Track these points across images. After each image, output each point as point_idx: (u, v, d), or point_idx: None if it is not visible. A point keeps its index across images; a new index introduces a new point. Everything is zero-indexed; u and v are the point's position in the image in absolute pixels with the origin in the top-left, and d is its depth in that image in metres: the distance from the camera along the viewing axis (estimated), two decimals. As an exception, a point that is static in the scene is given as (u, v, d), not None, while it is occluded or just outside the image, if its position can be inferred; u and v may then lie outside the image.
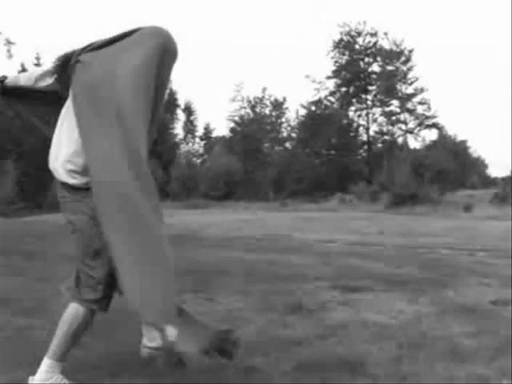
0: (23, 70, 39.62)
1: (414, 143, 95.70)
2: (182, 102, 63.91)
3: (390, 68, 56.75)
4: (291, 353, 3.67)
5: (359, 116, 60.58)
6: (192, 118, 64.99)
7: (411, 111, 56.80)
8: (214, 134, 66.50)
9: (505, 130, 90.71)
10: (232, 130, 62.17)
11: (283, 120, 62.57)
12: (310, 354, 3.64)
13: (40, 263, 6.99)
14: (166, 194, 45.93)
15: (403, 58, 56.20)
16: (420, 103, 56.58)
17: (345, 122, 58.91)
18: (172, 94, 60.20)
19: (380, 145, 60.59)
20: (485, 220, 24.78)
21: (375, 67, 59.93)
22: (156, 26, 3.03)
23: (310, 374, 3.28)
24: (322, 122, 55.79)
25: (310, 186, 52.21)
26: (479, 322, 4.59)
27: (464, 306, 5.26)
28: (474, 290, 6.20)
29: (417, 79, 56.08)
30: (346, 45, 59.83)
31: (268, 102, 62.53)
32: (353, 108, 60.87)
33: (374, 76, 59.72)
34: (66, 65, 2.99)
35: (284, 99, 62.07)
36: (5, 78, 3.14)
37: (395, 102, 57.39)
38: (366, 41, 59.51)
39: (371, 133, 60.06)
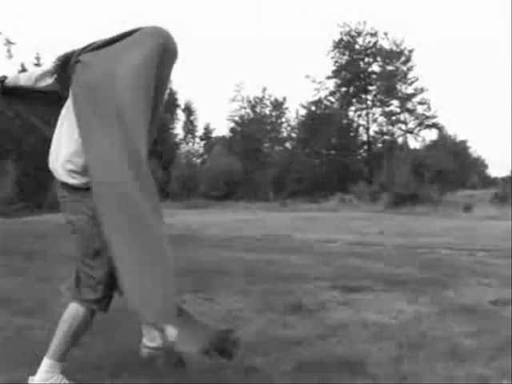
0: (23, 70, 39.55)
1: (413, 143, 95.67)
2: (182, 101, 64.01)
3: (390, 68, 56.75)
4: (291, 353, 3.68)
5: (359, 116, 60.65)
6: (192, 117, 65.00)
7: (411, 111, 56.80)
8: (214, 134, 66.56)
9: (505, 130, 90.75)
10: (232, 129, 62.17)
11: (283, 120, 62.62)
12: (310, 354, 3.64)
13: (40, 263, 6.99)
14: (166, 194, 45.92)
15: (403, 58, 56.20)
16: (420, 103, 56.63)
17: (345, 122, 58.92)
18: (172, 94, 60.19)
19: (380, 145, 60.58)
20: (485, 220, 24.79)
21: (375, 67, 60.04)
22: (156, 26, 3.04)
23: (309, 373, 3.28)
24: (322, 122, 55.79)
25: (309, 186, 52.21)
26: (479, 322, 4.59)
27: (464, 306, 5.26)
28: (474, 290, 6.21)
29: (417, 79, 56.14)
30: (346, 45, 59.84)
31: (268, 102, 62.56)
32: (353, 108, 60.92)
33: (374, 76, 59.73)
34: (66, 65, 2.99)
35: (284, 99, 62.13)
36: (5, 77, 3.14)
37: (395, 102, 57.44)
38: (366, 41, 59.59)
39: (371, 133, 60.18)
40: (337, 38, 59.95)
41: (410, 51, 56.03)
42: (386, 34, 57.79)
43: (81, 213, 2.87)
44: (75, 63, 2.95)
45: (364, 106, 60.35)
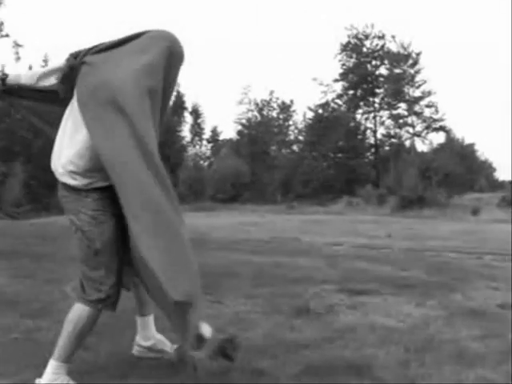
0: (31, 72, 39.62)
1: (421, 146, 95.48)
2: (189, 104, 63.84)
3: (397, 71, 56.58)
4: (298, 356, 3.67)
5: (366, 119, 60.42)
6: (199, 120, 64.92)
7: (419, 114, 56.60)
8: (221, 137, 66.44)
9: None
10: (239, 132, 62.14)
11: (290, 123, 62.57)
12: (317, 357, 3.64)
13: (48, 265, 7.00)
14: (174, 196, 45.83)
15: (411, 61, 56.02)
16: (427, 106, 56.38)
17: (352, 124, 58.75)
18: (179, 97, 60.22)
19: (387, 148, 60.32)
20: (492, 223, 24.72)
21: (383, 70, 59.81)
22: (163, 29, 3.05)
23: (317, 377, 3.28)
24: (329, 124, 55.71)
25: (317, 189, 52.16)
26: (487, 326, 4.57)
27: (472, 309, 5.24)
28: (481, 293, 6.18)
29: (424, 82, 55.90)
30: (353, 48, 59.73)
31: (275, 105, 62.49)
32: (360, 111, 60.72)
33: (382, 79, 59.55)
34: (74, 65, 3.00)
35: (291, 102, 62.07)
36: (6, 76, 3.13)
37: (403, 105, 57.23)
38: (374, 44, 59.41)
39: (378, 136, 59.92)
40: (344, 40, 59.89)
41: (418, 54, 55.88)
42: (393, 36, 57.70)
43: (81, 213, 2.89)
44: (80, 64, 2.96)
45: (371, 108, 60.20)
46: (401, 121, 57.65)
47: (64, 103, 3.02)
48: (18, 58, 18.53)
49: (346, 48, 59.78)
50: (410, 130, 57.29)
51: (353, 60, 60.02)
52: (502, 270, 8.51)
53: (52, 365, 2.90)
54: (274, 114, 62.56)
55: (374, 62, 59.94)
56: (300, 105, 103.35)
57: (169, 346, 3.48)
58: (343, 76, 60.28)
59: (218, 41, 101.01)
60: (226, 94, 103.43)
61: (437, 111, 56.00)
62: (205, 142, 66.37)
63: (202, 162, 64.06)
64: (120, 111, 2.73)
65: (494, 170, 78.60)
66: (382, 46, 58.89)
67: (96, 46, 3.02)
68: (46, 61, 49.44)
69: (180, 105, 61.05)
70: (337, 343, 4.00)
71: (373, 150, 59.91)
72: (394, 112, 57.96)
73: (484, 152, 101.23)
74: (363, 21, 79.89)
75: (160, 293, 2.73)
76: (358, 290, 6.10)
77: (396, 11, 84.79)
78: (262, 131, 59.33)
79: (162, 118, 3.05)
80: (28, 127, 38.42)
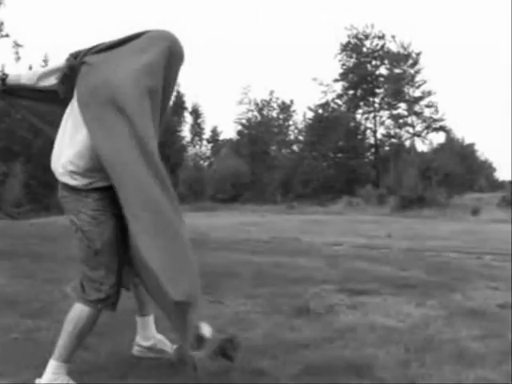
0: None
1: (421, 146, 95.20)
2: (189, 104, 63.85)
3: (397, 71, 56.61)
4: (298, 356, 3.67)
5: (366, 119, 60.44)
6: (199, 120, 64.91)
7: (419, 114, 56.63)
8: (221, 137, 66.46)
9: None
10: (239, 132, 62.16)
11: (290, 123, 62.65)
12: (317, 357, 3.64)
13: (48, 265, 7.00)
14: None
15: (411, 61, 56.05)
16: (427, 106, 56.42)
17: (352, 124, 58.75)
18: (179, 97, 60.22)
19: (387, 148, 60.33)
20: (492, 223, 24.72)
21: (383, 70, 59.85)
22: (163, 29, 3.05)
23: (317, 377, 3.28)
24: (329, 124, 55.71)
25: (317, 189, 52.15)
26: (487, 326, 4.57)
27: (472, 309, 5.24)
28: (481, 293, 6.18)
29: (424, 82, 55.95)
30: (353, 48, 59.74)
31: (275, 105, 62.57)
32: (360, 111, 60.72)
33: (382, 79, 59.56)
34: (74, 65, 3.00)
35: (291, 102, 62.16)
36: (6, 75, 3.12)
37: (403, 105, 57.29)
38: (374, 44, 59.43)
39: (378, 136, 59.95)
40: (344, 40, 59.93)
41: (418, 54, 55.94)
42: (393, 36, 57.72)
43: (82, 213, 2.89)
44: (81, 64, 2.96)
45: (371, 108, 60.20)
46: (401, 121, 57.69)
47: (64, 103, 3.01)
48: (18, 58, 18.56)
49: (345, 48, 59.80)
50: (410, 129, 57.39)
51: (353, 60, 60.04)
52: (501, 269, 8.50)
53: (52, 365, 2.90)
54: (274, 114, 62.64)
55: (373, 62, 59.96)
56: (300, 105, 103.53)
57: (169, 346, 3.48)
58: (343, 76, 60.30)
59: (218, 41, 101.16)
60: (226, 94, 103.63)
61: (437, 111, 56.10)
62: (205, 142, 66.45)
63: (202, 161, 64.10)
64: (120, 111, 2.73)
65: (494, 170, 78.51)
66: (382, 46, 58.94)
67: (96, 46, 3.02)
68: (46, 61, 49.50)
69: (180, 105, 61.04)
70: (337, 343, 4.00)
71: (373, 150, 59.93)
72: (394, 112, 58.04)
73: (484, 152, 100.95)
74: (363, 21, 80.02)
75: (160, 293, 2.73)
76: (358, 290, 6.10)
77: (396, 11, 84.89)
78: (262, 131, 59.36)
79: (162, 117, 3.05)
80: (28, 127, 38.47)
